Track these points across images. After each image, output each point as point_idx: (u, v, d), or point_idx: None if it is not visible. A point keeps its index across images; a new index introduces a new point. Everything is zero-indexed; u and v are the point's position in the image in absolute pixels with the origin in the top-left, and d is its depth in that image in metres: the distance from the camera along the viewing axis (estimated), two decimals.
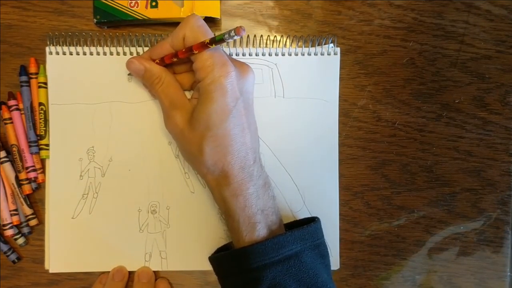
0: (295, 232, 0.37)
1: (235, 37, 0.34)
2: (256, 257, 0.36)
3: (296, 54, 0.45)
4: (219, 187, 0.38)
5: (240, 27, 0.33)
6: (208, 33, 0.37)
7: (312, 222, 0.39)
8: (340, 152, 0.46)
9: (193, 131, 0.38)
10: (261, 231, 0.38)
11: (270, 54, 0.45)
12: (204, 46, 0.36)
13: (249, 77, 0.40)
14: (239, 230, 0.38)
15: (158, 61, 0.40)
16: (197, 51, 0.37)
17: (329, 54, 0.45)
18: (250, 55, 0.44)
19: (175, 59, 0.39)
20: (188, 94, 0.42)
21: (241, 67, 0.39)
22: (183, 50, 0.38)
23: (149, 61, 0.40)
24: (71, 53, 0.43)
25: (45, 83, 0.43)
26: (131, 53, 0.43)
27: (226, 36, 0.34)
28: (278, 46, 0.45)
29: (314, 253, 0.38)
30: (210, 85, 0.36)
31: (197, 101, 0.38)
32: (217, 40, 0.35)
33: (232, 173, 0.38)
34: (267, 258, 0.36)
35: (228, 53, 0.44)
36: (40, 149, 0.43)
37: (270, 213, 0.39)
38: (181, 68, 0.42)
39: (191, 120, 0.38)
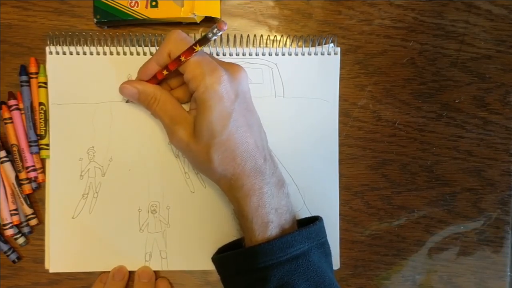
0: (303, 231, 0.37)
1: (219, 33, 0.33)
2: (263, 256, 0.36)
3: (296, 54, 0.45)
4: (233, 190, 0.38)
5: (221, 21, 0.33)
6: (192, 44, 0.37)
7: (316, 220, 0.39)
8: (340, 152, 0.46)
9: (198, 142, 0.38)
10: (273, 230, 0.37)
11: (270, 54, 0.45)
12: (191, 50, 0.36)
13: (242, 76, 0.39)
14: (252, 229, 0.38)
15: (150, 80, 0.40)
16: (184, 58, 0.36)
17: (329, 54, 0.45)
18: (250, 55, 0.44)
19: (165, 72, 0.39)
20: (186, 106, 0.42)
21: (232, 68, 0.39)
22: (173, 61, 0.38)
23: (141, 82, 0.40)
24: (71, 53, 0.43)
25: (45, 83, 0.43)
26: (131, 53, 0.43)
27: (210, 34, 0.34)
28: (278, 46, 0.45)
29: (319, 252, 0.38)
30: (204, 94, 0.36)
31: (196, 112, 0.38)
32: (202, 40, 0.35)
33: (244, 174, 0.38)
34: (274, 257, 0.36)
35: (228, 52, 0.44)
36: (40, 148, 0.43)
37: (284, 211, 0.39)
38: (176, 82, 0.42)
39: (194, 132, 0.38)
